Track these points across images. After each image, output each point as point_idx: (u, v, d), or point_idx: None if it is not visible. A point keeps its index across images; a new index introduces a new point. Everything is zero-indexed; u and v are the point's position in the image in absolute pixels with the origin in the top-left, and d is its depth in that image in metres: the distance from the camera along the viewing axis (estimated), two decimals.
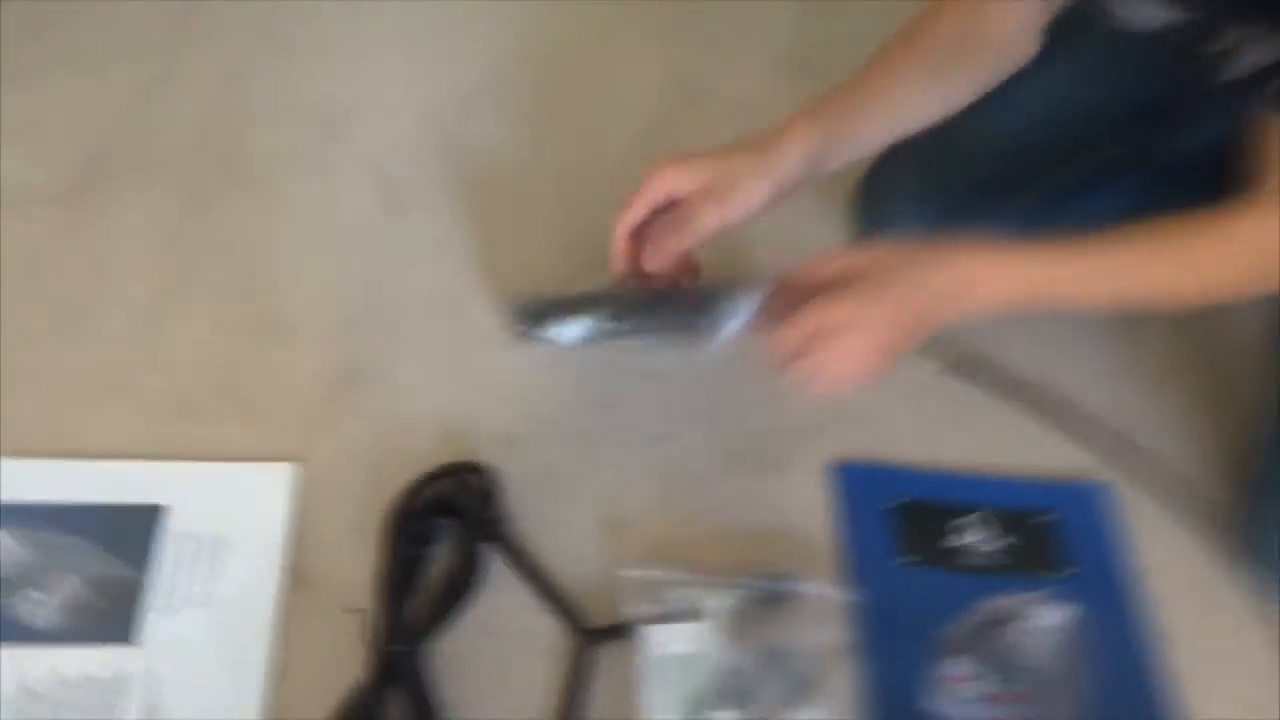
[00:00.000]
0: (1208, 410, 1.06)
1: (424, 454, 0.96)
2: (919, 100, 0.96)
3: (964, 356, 1.08)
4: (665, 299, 0.94)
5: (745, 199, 0.89)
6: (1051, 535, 0.97)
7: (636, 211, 0.92)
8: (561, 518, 0.94)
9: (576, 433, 1.01)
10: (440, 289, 1.10)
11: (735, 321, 0.90)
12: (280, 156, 1.21)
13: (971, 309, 0.87)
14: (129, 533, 0.89)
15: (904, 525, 0.96)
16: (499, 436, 0.98)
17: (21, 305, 1.04)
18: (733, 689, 0.83)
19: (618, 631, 0.86)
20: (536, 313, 0.96)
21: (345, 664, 0.83)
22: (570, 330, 0.95)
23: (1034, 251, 0.85)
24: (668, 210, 0.91)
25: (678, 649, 0.84)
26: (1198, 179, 1.08)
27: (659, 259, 0.91)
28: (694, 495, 0.97)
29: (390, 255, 1.13)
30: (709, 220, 0.88)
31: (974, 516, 0.97)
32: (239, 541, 0.89)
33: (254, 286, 1.09)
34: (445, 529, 0.91)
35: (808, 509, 0.97)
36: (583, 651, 0.85)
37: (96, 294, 1.06)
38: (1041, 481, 1.01)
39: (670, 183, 0.90)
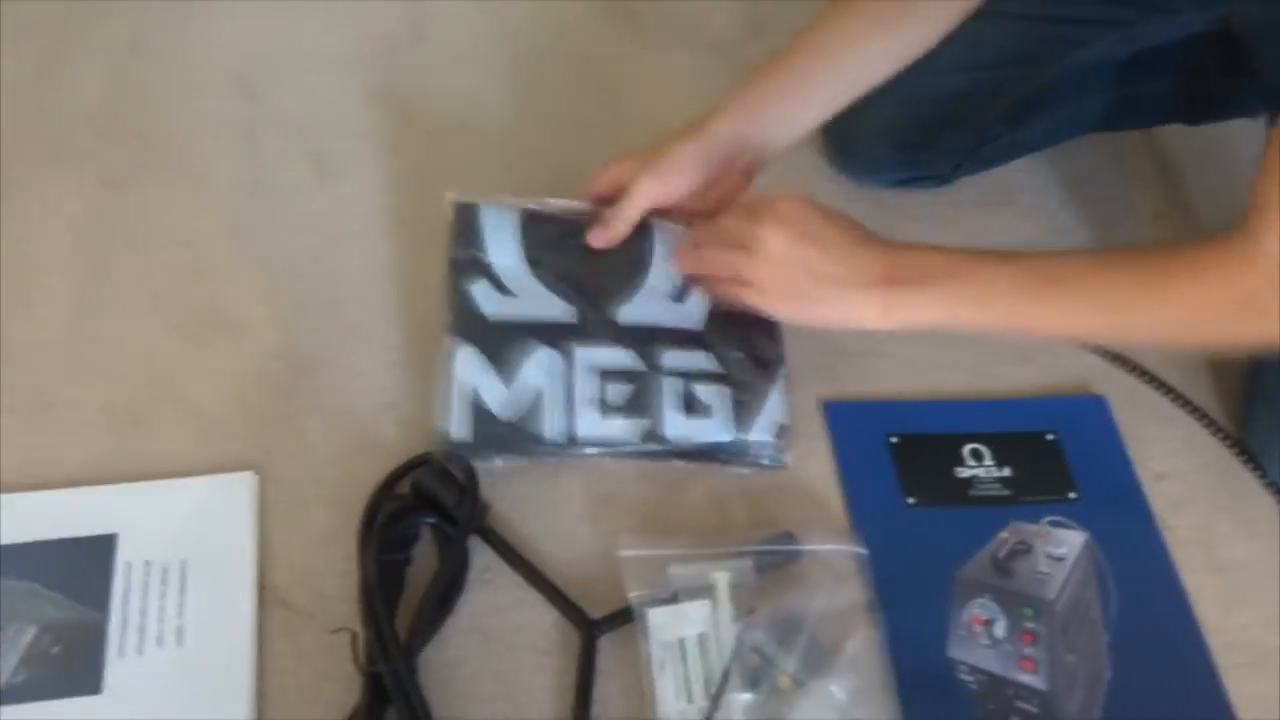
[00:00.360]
0: None
1: (390, 445, 0.89)
2: (866, 59, 0.93)
3: None
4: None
5: (678, 169, 0.91)
6: (1053, 456, 0.93)
7: (588, 199, 0.96)
8: (545, 499, 0.88)
9: None
10: (385, 259, 1.02)
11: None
12: (198, 128, 1.12)
13: (892, 305, 0.83)
14: (83, 569, 0.81)
15: (907, 463, 0.91)
16: None
17: None
18: (750, 667, 0.78)
19: (621, 618, 0.81)
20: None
21: (335, 687, 0.77)
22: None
23: (973, 253, 0.82)
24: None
25: (687, 630, 0.79)
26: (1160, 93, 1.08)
27: (607, 236, 0.94)
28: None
29: (329, 227, 1.05)
30: (647, 189, 0.91)
31: (974, 445, 0.93)
32: (204, 564, 0.82)
33: (185, 276, 1.00)
34: (424, 526, 0.85)
35: (801, 456, 0.92)
36: (586, 643, 0.80)
37: (11, 303, 0.97)
38: (1035, 401, 0.97)
39: (614, 172, 0.94)
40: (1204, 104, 1.09)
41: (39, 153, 1.09)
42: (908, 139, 1.06)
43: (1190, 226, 1.10)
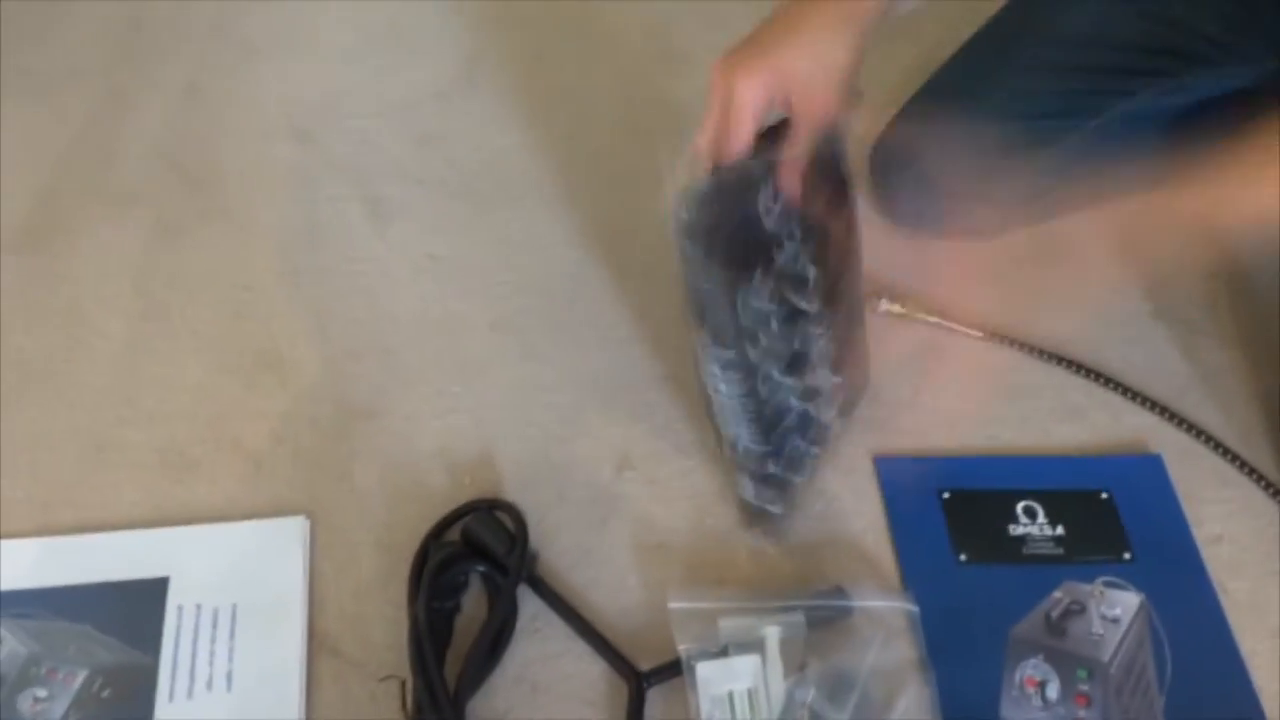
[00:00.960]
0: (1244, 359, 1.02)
1: (441, 491, 0.89)
2: None
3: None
4: None
5: (840, 75, 0.78)
6: (1107, 515, 0.91)
7: (740, 141, 0.77)
8: (594, 548, 0.88)
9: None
10: (438, 303, 1.03)
11: None
12: (253, 173, 1.14)
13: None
14: (135, 612, 0.82)
15: (959, 519, 0.90)
16: (516, 464, 0.91)
17: None
18: None
19: (670, 670, 0.80)
20: None
21: None
22: None
23: None
24: None
25: (736, 685, 0.78)
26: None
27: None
28: (732, 510, 0.90)
29: (381, 272, 1.05)
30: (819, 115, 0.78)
31: (1027, 502, 0.92)
32: (255, 609, 0.82)
33: (239, 320, 1.01)
34: (474, 574, 0.84)
35: (852, 510, 0.91)
36: (635, 696, 0.79)
37: (69, 346, 0.98)
38: (1090, 459, 0.95)
39: (753, 98, 0.76)
40: None
41: (97, 197, 1.11)
42: (955, 190, 1.05)
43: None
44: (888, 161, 1.08)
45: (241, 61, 1.25)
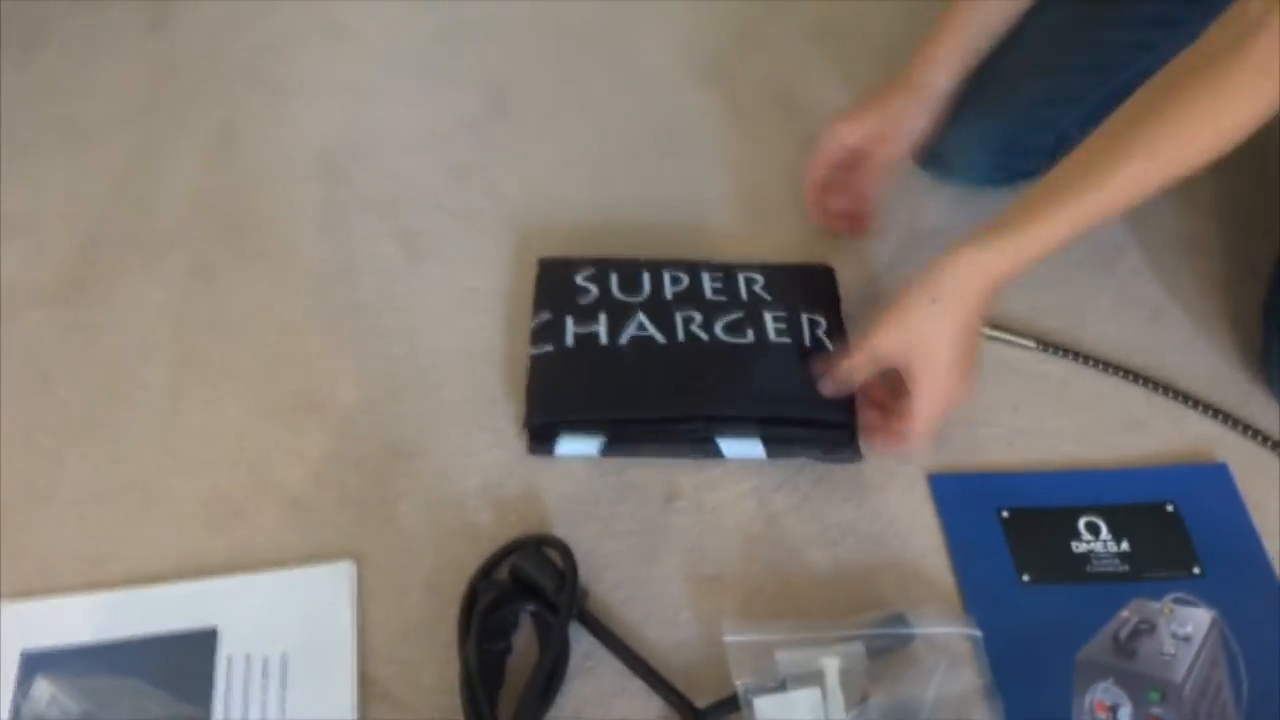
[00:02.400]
0: None
1: (487, 529, 0.88)
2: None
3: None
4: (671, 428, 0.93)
5: (910, 131, 1.05)
6: (1174, 528, 0.88)
7: (820, 167, 1.07)
8: (646, 582, 0.86)
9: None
10: (477, 339, 1.02)
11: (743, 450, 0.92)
12: (287, 214, 1.13)
13: (987, 296, 0.86)
14: (185, 665, 0.81)
15: (1019, 538, 0.88)
16: (563, 498, 0.90)
17: (30, 418, 0.97)
18: None
19: (728, 706, 0.78)
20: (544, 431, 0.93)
21: None
22: (578, 448, 0.93)
23: (1015, 220, 0.84)
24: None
25: (797, 719, 0.76)
26: None
27: (845, 199, 1.09)
28: (785, 536, 0.88)
29: (420, 308, 1.04)
30: (890, 154, 1.06)
31: (1089, 518, 0.89)
32: (305, 657, 0.81)
33: (279, 362, 1.00)
34: (524, 613, 0.83)
35: (909, 532, 0.89)
36: None
37: (110, 395, 0.98)
38: (1152, 470, 0.92)
39: (843, 136, 1.04)
40: None
41: (135, 245, 1.11)
42: (996, 144, 1.09)
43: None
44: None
45: (274, 101, 1.25)
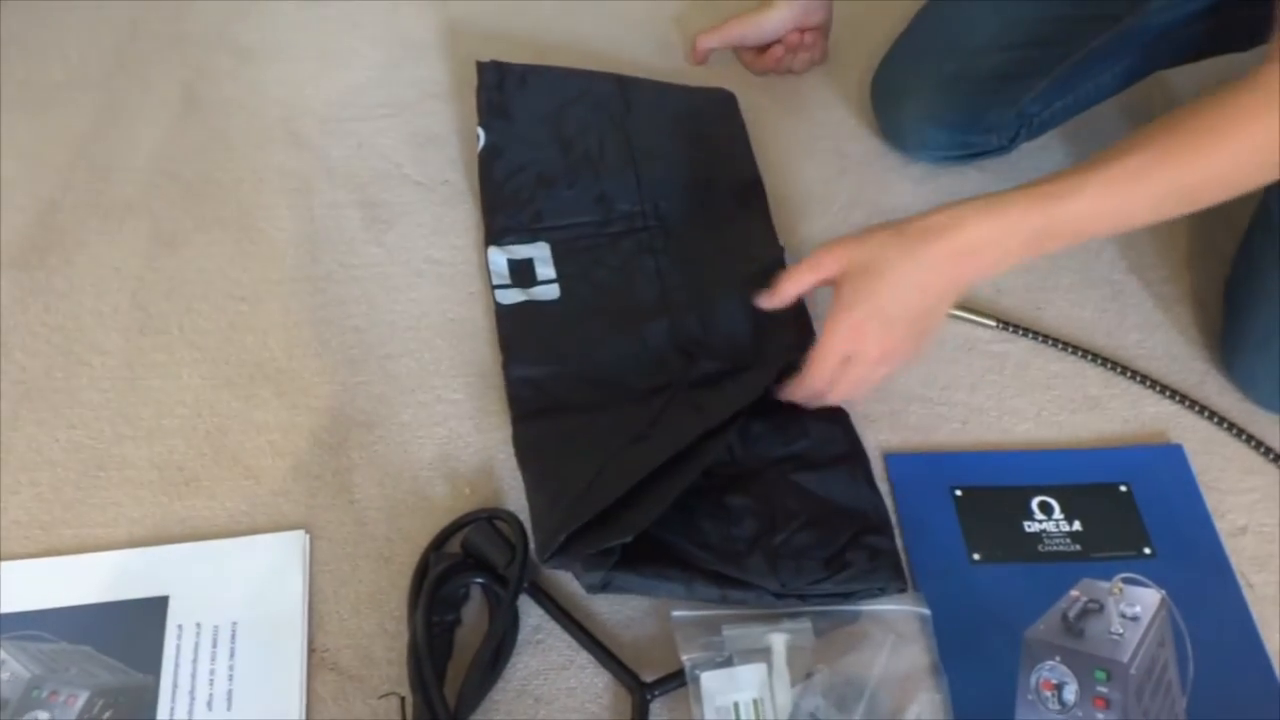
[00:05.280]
0: None
1: (440, 502, 0.88)
2: None
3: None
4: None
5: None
6: (1126, 509, 0.89)
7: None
8: None
9: None
10: (437, 308, 1.01)
11: None
12: (250, 181, 1.12)
13: (982, 273, 0.84)
14: (135, 632, 0.81)
15: (972, 517, 0.88)
16: (517, 472, 0.89)
17: None
18: None
19: (674, 681, 0.78)
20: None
21: None
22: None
23: (1032, 197, 0.78)
24: None
25: (741, 695, 0.77)
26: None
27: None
28: None
29: (381, 279, 1.04)
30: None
31: (1042, 498, 0.89)
32: (255, 626, 0.82)
33: (238, 331, 1.00)
34: (474, 586, 0.83)
35: None
36: (638, 707, 0.78)
37: (68, 363, 0.97)
38: (1107, 450, 0.93)
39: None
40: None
41: (94, 209, 1.10)
42: (952, 121, 1.09)
43: None
44: (888, 93, 1.13)
45: (238, 67, 1.24)
